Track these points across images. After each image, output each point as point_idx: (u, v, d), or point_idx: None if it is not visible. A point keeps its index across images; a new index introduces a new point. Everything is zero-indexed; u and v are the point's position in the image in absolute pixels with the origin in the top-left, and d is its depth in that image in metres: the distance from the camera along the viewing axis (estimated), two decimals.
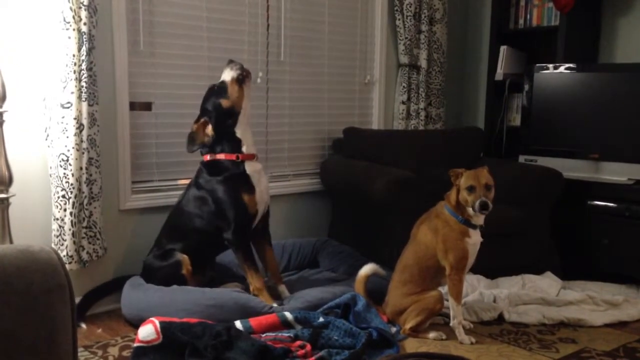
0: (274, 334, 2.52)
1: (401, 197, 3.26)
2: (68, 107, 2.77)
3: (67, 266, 2.56)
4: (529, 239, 3.54)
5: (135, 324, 2.68)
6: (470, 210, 2.67)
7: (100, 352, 2.56)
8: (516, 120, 4.32)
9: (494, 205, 2.65)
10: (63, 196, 2.80)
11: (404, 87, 4.20)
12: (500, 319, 2.97)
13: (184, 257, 2.90)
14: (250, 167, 2.95)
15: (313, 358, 2.35)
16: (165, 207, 3.20)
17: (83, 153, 2.83)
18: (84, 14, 2.76)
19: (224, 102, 2.92)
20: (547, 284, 3.32)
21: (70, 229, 2.81)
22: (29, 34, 2.77)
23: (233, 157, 2.93)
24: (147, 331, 2.38)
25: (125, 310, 2.88)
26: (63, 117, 2.77)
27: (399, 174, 3.32)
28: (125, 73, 3.08)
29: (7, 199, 2.62)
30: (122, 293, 2.91)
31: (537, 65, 3.95)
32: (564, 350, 2.63)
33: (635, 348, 2.67)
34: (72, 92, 2.76)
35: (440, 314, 2.86)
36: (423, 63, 4.24)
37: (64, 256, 2.80)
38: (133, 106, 3.17)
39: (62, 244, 2.82)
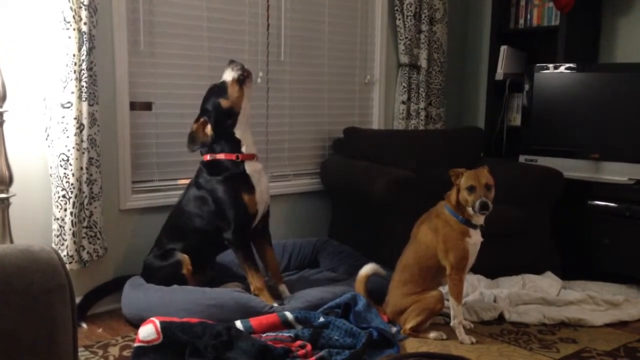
0: (274, 334, 2.52)
1: (401, 197, 3.26)
2: (68, 107, 2.77)
3: (68, 266, 2.56)
4: (530, 239, 3.54)
5: (136, 324, 2.68)
6: (470, 210, 2.67)
7: (100, 352, 2.56)
8: (516, 120, 4.31)
9: (494, 205, 2.65)
10: (63, 196, 2.80)
11: (404, 87, 4.20)
12: (501, 318, 2.97)
13: (184, 257, 2.90)
14: (250, 167, 2.95)
15: (313, 358, 2.35)
16: (165, 207, 3.20)
17: (83, 153, 2.83)
18: (84, 13, 2.76)
19: (224, 102, 2.92)
20: (547, 283, 3.32)
21: (70, 229, 2.81)
22: (29, 34, 2.77)
23: (233, 157, 2.93)
24: (148, 331, 2.38)
25: (125, 310, 2.88)
26: (63, 117, 2.77)
27: (399, 174, 3.32)
28: (125, 73, 3.08)
29: (7, 198, 2.62)
30: (122, 293, 2.91)
31: (538, 65, 3.94)
32: (564, 350, 2.62)
33: (635, 348, 2.67)
34: (73, 92, 2.76)
35: (440, 314, 2.86)
36: (423, 63, 4.24)
37: (65, 256, 2.80)
38: (133, 106, 3.17)
39: (63, 244, 2.82)
